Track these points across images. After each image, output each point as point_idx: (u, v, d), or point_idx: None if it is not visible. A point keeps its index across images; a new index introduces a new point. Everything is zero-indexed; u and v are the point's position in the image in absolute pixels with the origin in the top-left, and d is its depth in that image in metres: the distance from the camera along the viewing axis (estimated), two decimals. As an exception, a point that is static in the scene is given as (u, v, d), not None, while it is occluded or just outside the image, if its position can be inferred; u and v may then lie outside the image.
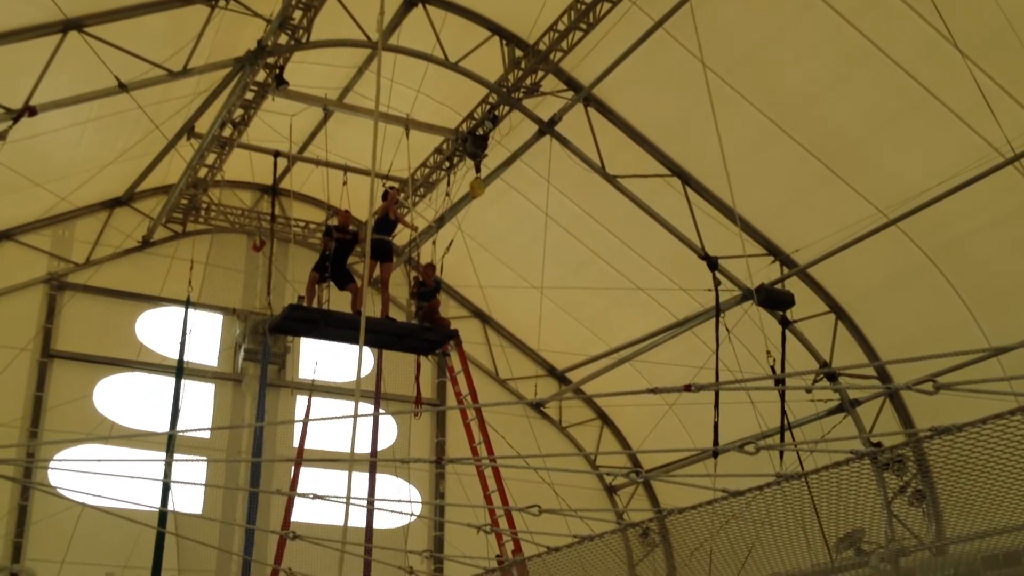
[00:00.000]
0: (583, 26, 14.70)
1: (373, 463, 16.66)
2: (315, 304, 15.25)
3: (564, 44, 15.12)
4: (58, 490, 15.83)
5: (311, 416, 18.50)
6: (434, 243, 17.67)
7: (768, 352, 14.70)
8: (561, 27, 14.96)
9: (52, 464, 16.72)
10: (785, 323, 16.30)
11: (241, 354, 20.11)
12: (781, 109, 14.91)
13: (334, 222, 17.35)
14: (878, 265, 15.80)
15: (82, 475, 9.53)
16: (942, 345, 15.15)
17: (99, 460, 8.84)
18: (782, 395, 15.13)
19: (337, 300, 15.83)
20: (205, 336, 20.17)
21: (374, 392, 18.02)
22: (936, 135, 13.71)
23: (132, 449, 17.43)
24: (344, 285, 15.15)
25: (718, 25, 13.93)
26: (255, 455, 18.01)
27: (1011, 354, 13.04)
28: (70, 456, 17.46)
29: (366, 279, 13.96)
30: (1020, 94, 12.53)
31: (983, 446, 8.06)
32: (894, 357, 16.44)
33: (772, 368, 14.85)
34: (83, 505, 13.01)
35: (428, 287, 15.91)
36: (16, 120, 14.09)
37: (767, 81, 14.77)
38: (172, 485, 15.70)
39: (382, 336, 15.32)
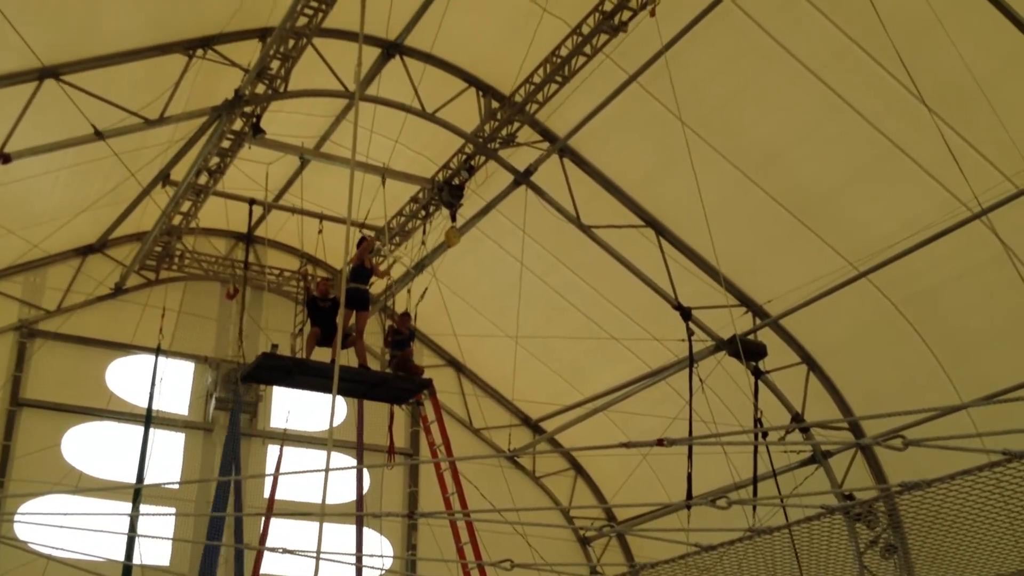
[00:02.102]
0: (559, 79, 14.88)
1: (360, 518, 16.46)
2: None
3: (540, 96, 15.29)
4: (23, 543, 15.54)
5: (282, 465, 18.32)
6: (408, 291, 17.65)
7: (759, 411, 14.72)
8: (537, 79, 15.13)
9: (18, 517, 16.42)
10: (758, 374, 16.37)
11: (212, 403, 19.93)
12: (753, 161, 15.11)
13: (316, 275, 17.22)
14: (849, 316, 15.94)
15: (48, 527, 9.39)
16: (912, 396, 15.37)
17: (66, 514, 8.70)
18: (755, 450, 15.16)
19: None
20: (176, 385, 19.97)
21: (356, 443, 17.87)
22: (904, 188, 13.93)
23: (100, 500, 17.18)
24: (344, 345, 14.95)
25: (691, 79, 14.15)
26: (222, 504, 17.73)
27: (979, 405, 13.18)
28: (37, 506, 17.16)
29: (341, 327, 13.90)
30: (987, 149, 12.76)
31: (953, 499, 8.10)
32: (865, 407, 16.52)
33: (759, 421, 14.86)
34: (48, 558, 12.78)
35: (403, 335, 15.87)
36: (-10, 167, 14.06)
37: (739, 134, 14.98)
38: (139, 538, 15.46)
39: (356, 385, 15.20)
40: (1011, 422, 5.77)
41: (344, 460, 19.21)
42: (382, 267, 16.26)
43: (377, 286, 18.18)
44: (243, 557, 17.41)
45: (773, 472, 15.25)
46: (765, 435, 15.24)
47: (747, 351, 16.19)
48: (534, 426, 22.70)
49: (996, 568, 9.38)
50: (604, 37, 13.95)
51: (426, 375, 16.37)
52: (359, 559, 15.28)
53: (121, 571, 15.55)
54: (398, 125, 17.08)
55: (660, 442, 6.23)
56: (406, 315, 16.25)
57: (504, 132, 16.29)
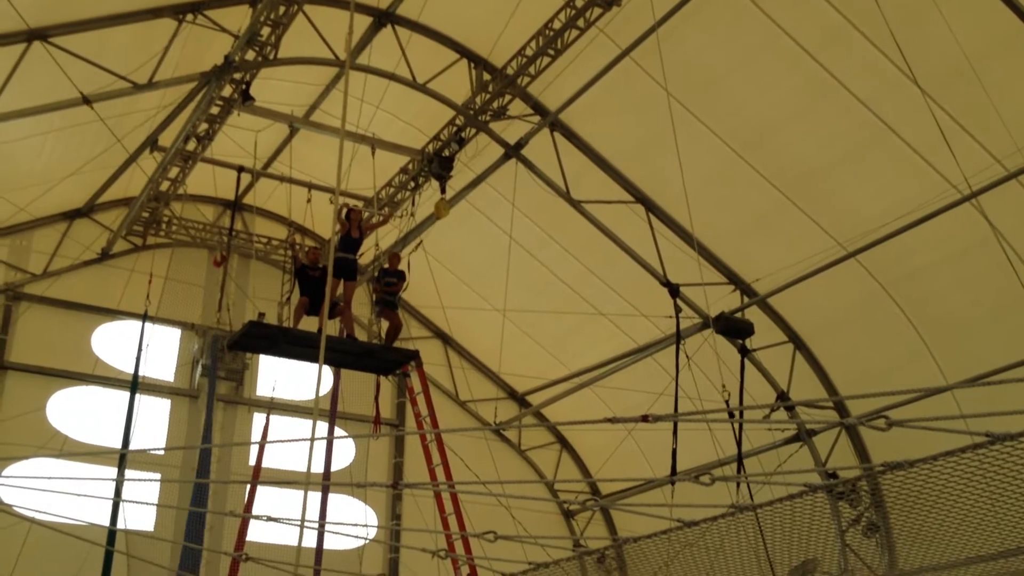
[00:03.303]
0: (551, 52, 14.80)
1: (326, 487, 16.47)
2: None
3: (532, 69, 15.21)
4: (7, 506, 15.54)
5: (269, 434, 18.33)
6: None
7: (723, 386, 14.80)
8: (529, 52, 15.04)
9: (1, 480, 16.40)
10: (744, 352, 16.41)
11: (199, 370, 19.90)
12: (744, 139, 15.09)
13: (303, 243, 17.11)
14: (836, 297, 15.98)
15: (32, 491, 9.37)
16: (898, 377, 15.45)
17: (49, 477, 8.69)
18: (740, 427, 15.22)
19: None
20: (162, 351, 19.93)
21: (342, 413, 17.89)
22: (895, 170, 13.93)
23: (85, 464, 17.17)
24: (331, 315, 14.92)
25: (683, 55, 14.10)
26: (205, 471, 17.77)
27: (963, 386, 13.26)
28: (21, 470, 17.15)
29: (328, 297, 13.85)
30: (978, 132, 12.77)
31: (935, 480, 8.15)
32: (850, 387, 16.62)
33: (727, 402, 14.93)
34: (32, 521, 12.78)
35: (393, 287, 15.59)
36: (-24, 129, 13.94)
37: (731, 111, 14.94)
38: (123, 503, 15.47)
39: (342, 355, 15.20)
40: (995, 404, 5.79)
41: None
42: (374, 220, 16.15)
43: (367, 256, 18.13)
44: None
45: (740, 451, 15.31)
46: (743, 414, 15.30)
47: (734, 329, 16.22)
48: (520, 400, 22.76)
49: (976, 549, 9.48)
50: (597, 11, 13.86)
51: (413, 346, 16.34)
52: (321, 526, 15.29)
53: (105, 536, 15.56)
54: (389, 95, 16.99)
55: (645, 418, 6.24)
56: (396, 256, 16.14)
57: (495, 105, 16.21)
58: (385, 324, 15.72)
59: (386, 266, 15.99)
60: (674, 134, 13.08)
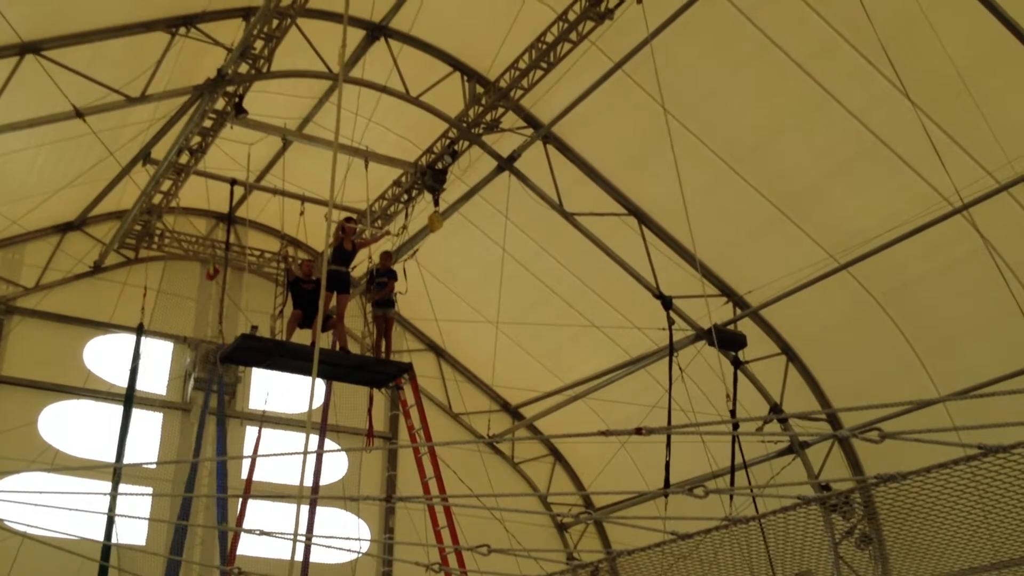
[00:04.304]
0: (543, 65, 14.83)
1: (314, 500, 16.42)
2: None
3: (525, 82, 15.25)
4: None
5: (260, 446, 18.27)
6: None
7: (728, 396, 14.80)
8: (522, 65, 15.09)
9: (-7, 493, 16.31)
10: (737, 364, 16.42)
11: (191, 383, 19.84)
12: (736, 152, 15.13)
13: (296, 256, 17.10)
14: (829, 308, 16.01)
15: (23, 505, 9.30)
16: (890, 388, 15.47)
17: (41, 492, 8.64)
18: (733, 439, 15.21)
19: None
20: (155, 364, 19.87)
21: (336, 427, 17.84)
22: (887, 182, 13.98)
23: (77, 478, 17.09)
24: (325, 327, 14.88)
25: (676, 68, 14.13)
26: (198, 486, 17.69)
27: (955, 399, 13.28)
28: (12, 484, 17.06)
29: (322, 309, 13.81)
30: (969, 145, 12.82)
31: (928, 492, 8.17)
32: (843, 399, 16.63)
33: (732, 411, 14.91)
34: (23, 536, 12.71)
35: (385, 287, 15.53)
36: (-32, 142, 13.92)
37: (723, 124, 14.98)
38: (116, 518, 15.40)
39: (336, 368, 15.17)
40: (987, 416, 5.80)
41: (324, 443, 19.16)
42: (366, 234, 16.11)
43: (359, 269, 18.11)
44: (227, 537, 17.37)
45: (743, 463, 15.30)
46: (736, 426, 15.30)
47: (727, 341, 16.22)
48: (513, 412, 22.73)
49: (969, 561, 9.49)
50: (590, 24, 13.91)
51: (406, 359, 16.30)
52: (308, 539, 15.24)
53: (100, 550, 15.48)
54: (382, 108, 17.02)
55: (639, 430, 6.22)
56: (387, 254, 16.09)
57: (488, 117, 16.25)
58: (374, 331, 15.69)
59: (377, 266, 15.94)
60: (671, 146, 13.07)
